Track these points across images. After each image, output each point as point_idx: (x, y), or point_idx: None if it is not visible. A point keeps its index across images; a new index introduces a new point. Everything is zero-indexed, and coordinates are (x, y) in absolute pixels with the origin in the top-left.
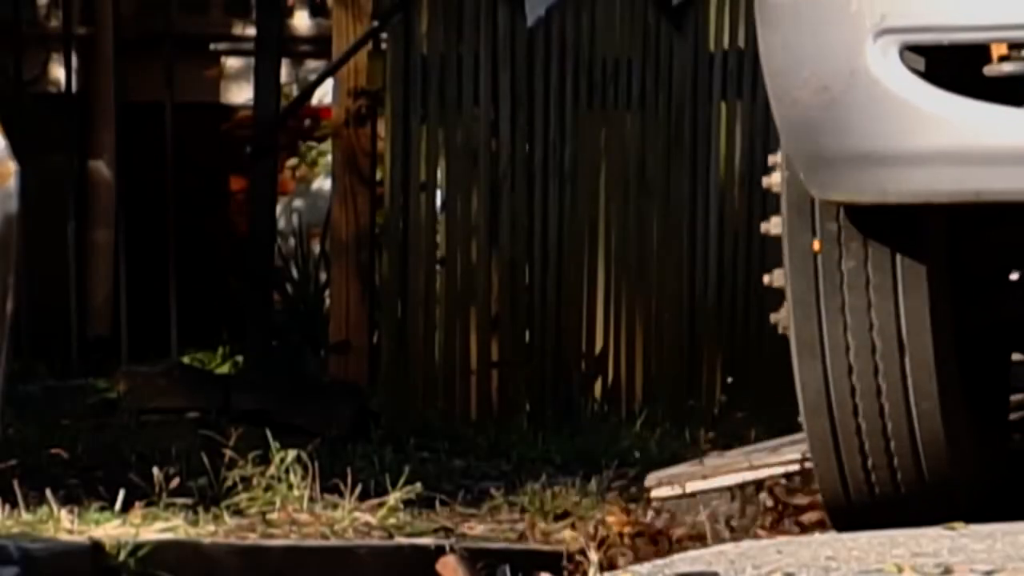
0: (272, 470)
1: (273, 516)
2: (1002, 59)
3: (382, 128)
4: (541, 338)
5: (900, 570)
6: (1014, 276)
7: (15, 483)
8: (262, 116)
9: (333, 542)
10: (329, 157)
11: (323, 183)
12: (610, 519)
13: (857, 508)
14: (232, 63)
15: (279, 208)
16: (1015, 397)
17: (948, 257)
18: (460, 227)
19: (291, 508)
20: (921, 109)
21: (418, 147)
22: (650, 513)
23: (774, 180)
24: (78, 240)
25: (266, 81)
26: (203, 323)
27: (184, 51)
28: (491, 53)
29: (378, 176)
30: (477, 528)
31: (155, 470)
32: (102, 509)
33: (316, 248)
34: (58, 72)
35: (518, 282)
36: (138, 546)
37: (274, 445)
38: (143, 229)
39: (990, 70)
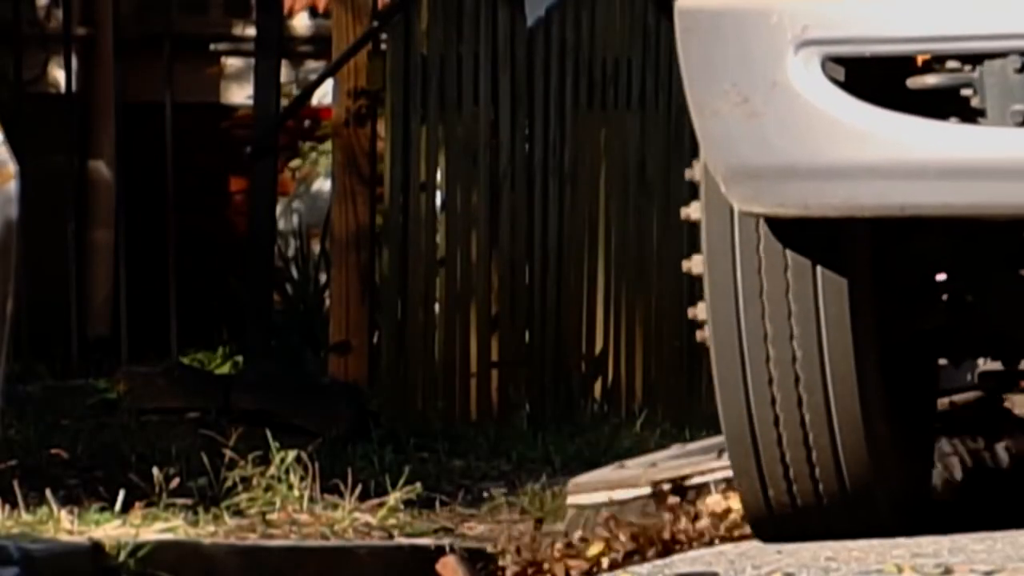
0: (272, 470)
1: (273, 516)
2: (926, 71)
3: (382, 128)
4: (541, 338)
5: (900, 570)
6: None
7: (15, 483)
8: (262, 116)
9: (333, 542)
10: (330, 157)
11: (323, 183)
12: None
13: (778, 518)
14: (232, 63)
15: (279, 208)
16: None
17: (872, 265)
18: (460, 227)
19: (291, 508)
20: (844, 122)
21: (418, 147)
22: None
23: (696, 171)
24: (78, 240)
25: (266, 81)
26: (203, 323)
27: (184, 51)
28: (491, 53)
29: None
30: (477, 528)
31: (155, 470)
32: (102, 509)
33: (316, 248)
34: (58, 72)
35: (518, 282)
36: (138, 546)
37: (274, 445)
38: (143, 229)
39: (914, 83)
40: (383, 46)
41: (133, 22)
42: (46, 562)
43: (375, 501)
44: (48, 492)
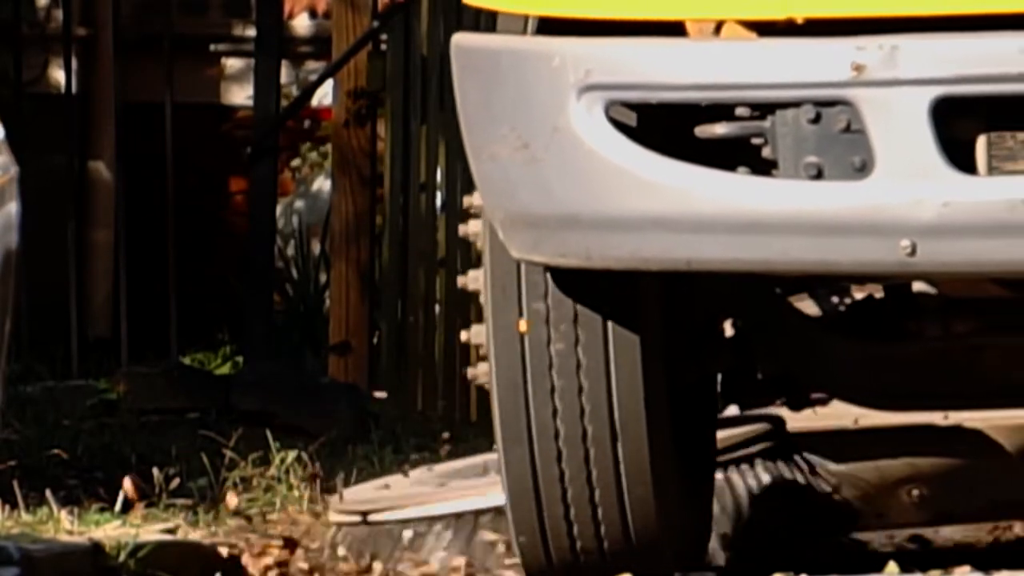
0: (272, 471)
1: (273, 516)
2: (715, 119)
3: (382, 128)
4: None
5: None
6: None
7: (15, 484)
8: (262, 116)
9: None
10: (330, 158)
11: (323, 183)
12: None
13: (559, 572)
14: (232, 63)
15: (279, 209)
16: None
17: (661, 308)
18: (460, 227)
19: (291, 508)
20: (628, 171)
21: (418, 147)
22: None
23: (471, 229)
24: (78, 240)
25: (266, 81)
26: (203, 323)
27: (184, 52)
28: None
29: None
30: None
31: (155, 471)
32: (102, 510)
33: (316, 248)
34: (58, 72)
35: None
36: (138, 547)
37: (274, 445)
38: (143, 229)
39: (702, 131)
40: (383, 46)
41: (133, 22)
42: (46, 562)
43: None
44: (48, 492)
